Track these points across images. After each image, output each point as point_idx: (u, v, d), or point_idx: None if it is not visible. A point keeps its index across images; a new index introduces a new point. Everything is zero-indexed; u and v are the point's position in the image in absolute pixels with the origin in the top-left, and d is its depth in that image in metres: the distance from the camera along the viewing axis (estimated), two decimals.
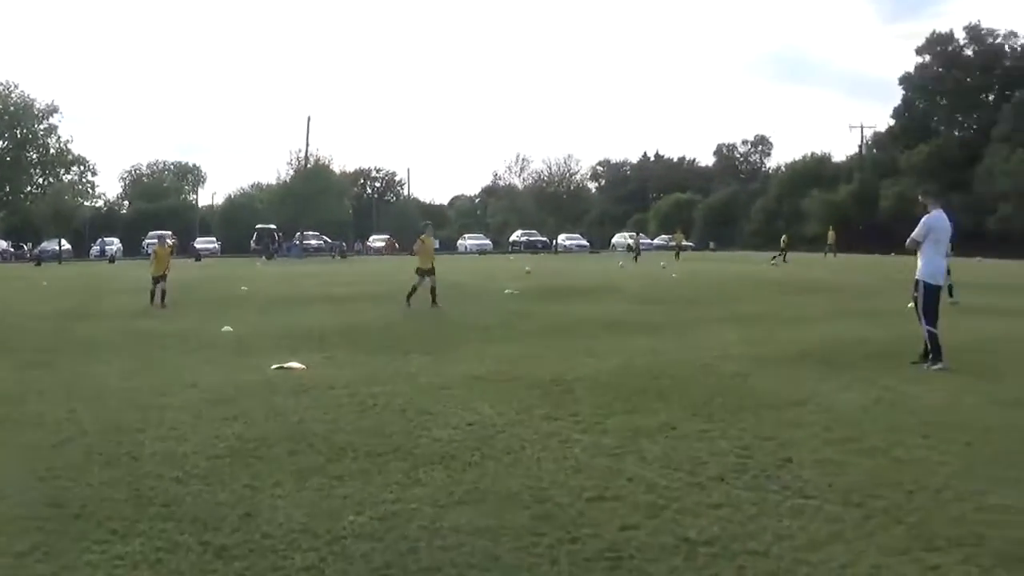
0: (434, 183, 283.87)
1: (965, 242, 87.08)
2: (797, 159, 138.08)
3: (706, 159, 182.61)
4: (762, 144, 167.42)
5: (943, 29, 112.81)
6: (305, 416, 11.31)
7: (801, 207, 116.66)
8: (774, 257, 66.64)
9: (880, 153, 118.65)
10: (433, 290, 27.05)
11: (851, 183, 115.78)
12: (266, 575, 6.26)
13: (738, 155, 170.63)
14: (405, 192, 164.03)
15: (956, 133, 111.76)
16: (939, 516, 7.36)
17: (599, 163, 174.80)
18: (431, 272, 27.38)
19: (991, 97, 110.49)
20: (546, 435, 10.18)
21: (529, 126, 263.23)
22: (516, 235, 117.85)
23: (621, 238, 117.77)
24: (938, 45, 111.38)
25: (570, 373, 14.25)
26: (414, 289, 27.01)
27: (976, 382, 13.66)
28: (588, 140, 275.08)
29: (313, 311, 26.74)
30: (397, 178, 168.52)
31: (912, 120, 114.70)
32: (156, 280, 29.61)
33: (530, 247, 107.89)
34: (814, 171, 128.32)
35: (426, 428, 10.58)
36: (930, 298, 15.26)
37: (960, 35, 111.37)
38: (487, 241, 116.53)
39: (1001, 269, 52.29)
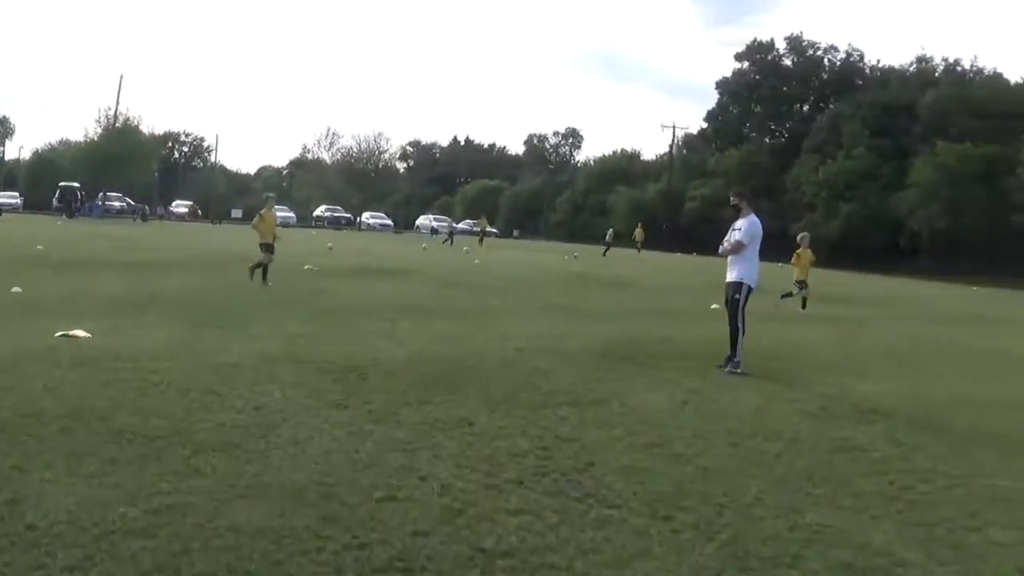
0: (242, 152, 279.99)
1: (770, 248, 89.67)
2: (607, 154, 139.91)
3: (516, 148, 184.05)
4: (573, 137, 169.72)
5: (765, 38, 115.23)
6: (85, 391, 10.30)
7: (607, 202, 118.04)
8: (605, 252, 67.98)
9: (690, 154, 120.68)
10: (265, 268, 25.77)
11: (659, 182, 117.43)
12: (28, 574, 5.50)
13: (548, 146, 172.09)
14: (212, 159, 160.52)
15: (767, 140, 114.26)
16: (752, 534, 7.02)
17: (409, 143, 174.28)
18: (272, 248, 26.15)
19: (806, 108, 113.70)
20: (336, 424, 9.51)
21: (342, 101, 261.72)
22: (320, 210, 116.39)
23: (426, 220, 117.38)
24: (758, 53, 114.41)
25: (366, 357, 13.56)
26: (259, 265, 25.74)
27: (783, 389, 13.59)
28: (400, 120, 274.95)
29: (108, 275, 25.22)
30: (205, 144, 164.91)
31: (725, 124, 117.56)
32: None
33: (334, 223, 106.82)
34: (623, 167, 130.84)
35: (210, 410, 9.74)
36: (747, 302, 15.04)
37: (781, 45, 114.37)
38: (291, 214, 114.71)
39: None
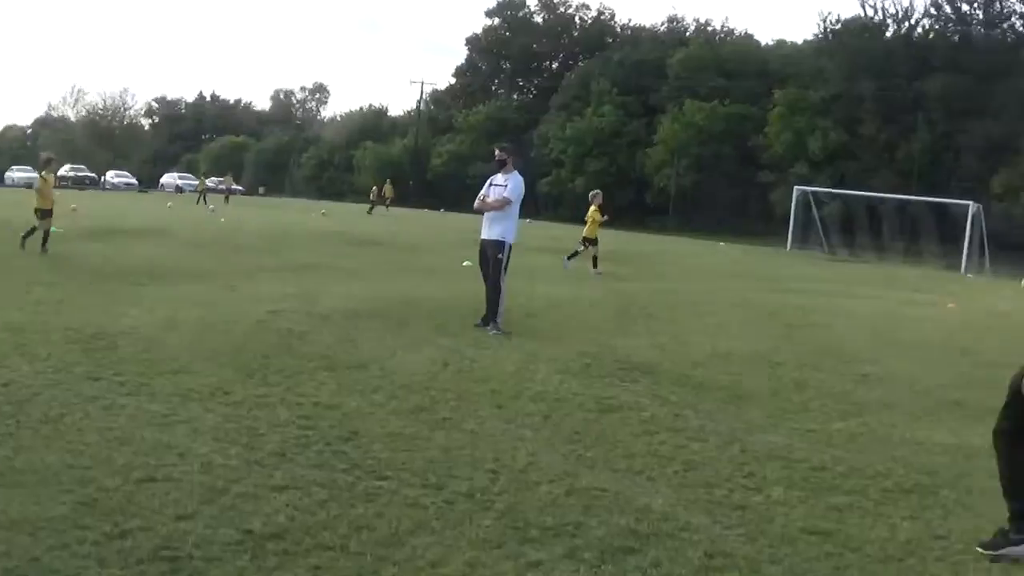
0: None
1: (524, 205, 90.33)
2: (354, 110, 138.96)
3: (262, 103, 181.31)
4: (320, 92, 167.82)
5: None
6: None
7: (354, 158, 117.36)
8: (370, 209, 68.64)
9: (438, 110, 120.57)
10: (46, 233, 24.00)
11: (405, 138, 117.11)
12: None
13: (295, 101, 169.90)
14: None
15: (516, 97, 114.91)
16: (530, 501, 6.84)
17: (155, 100, 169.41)
18: (50, 214, 24.48)
19: (555, 65, 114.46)
20: (88, 399, 8.85)
21: (87, 57, 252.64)
22: (64, 169, 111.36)
23: (171, 178, 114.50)
24: (508, 9, 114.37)
25: (113, 325, 12.82)
26: (33, 231, 23.94)
27: (544, 347, 13.49)
28: (145, 76, 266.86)
29: None
30: None
31: (475, 80, 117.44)
32: None
33: (78, 183, 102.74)
34: (371, 123, 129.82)
35: None
36: (509, 260, 14.87)
37: (532, 2, 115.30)
38: (34, 174, 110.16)
39: (553, 231, 53.45)
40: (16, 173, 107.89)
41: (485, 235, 15.15)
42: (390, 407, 9.42)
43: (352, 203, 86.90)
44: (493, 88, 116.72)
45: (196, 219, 41.55)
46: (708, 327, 17.30)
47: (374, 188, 76.15)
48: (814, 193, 65.78)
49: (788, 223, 65.96)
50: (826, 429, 9.88)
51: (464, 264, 25.05)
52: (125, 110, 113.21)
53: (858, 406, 11.11)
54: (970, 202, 58.38)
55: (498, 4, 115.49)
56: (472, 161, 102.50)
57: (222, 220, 41.99)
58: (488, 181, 15.35)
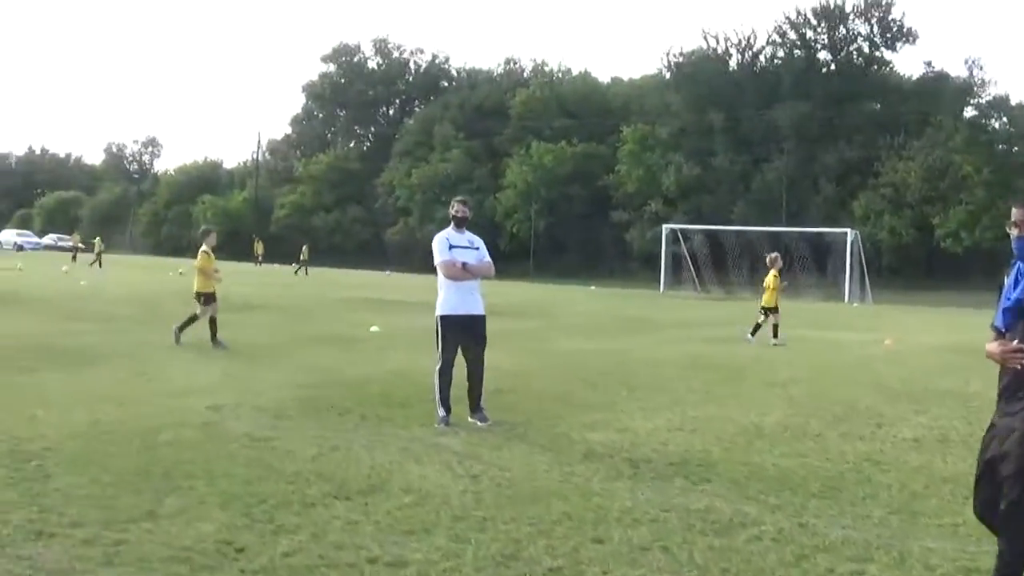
0: None
1: (364, 258, 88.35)
2: (188, 163, 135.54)
3: (94, 158, 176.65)
4: (153, 145, 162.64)
5: (351, 41, 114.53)
6: None
7: (193, 212, 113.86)
8: (296, 270, 67.69)
9: (276, 160, 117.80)
10: (213, 320, 20.50)
11: (244, 190, 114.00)
12: None
13: (128, 155, 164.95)
14: None
15: (352, 145, 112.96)
16: None
17: None
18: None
19: (391, 111, 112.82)
20: None
21: None
22: None
23: (10, 234, 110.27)
24: (344, 56, 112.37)
25: (29, 435, 10.06)
26: (194, 319, 20.51)
27: (557, 443, 11.29)
28: None
29: None
30: None
31: (311, 128, 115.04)
32: None
33: None
34: (207, 175, 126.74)
35: None
36: None
37: (367, 47, 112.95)
38: None
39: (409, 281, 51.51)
40: None
41: (469, 309, 12.36)
42: (467, 557, 6.91)
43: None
44: (329, 136, 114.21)
45: (56, 283, 37.97)
46: (701, 394, 15.31)
47: (304, 246, 72.91)
48: (681, 231, 64.43)
49: (646, 262, 65.05)
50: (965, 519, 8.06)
51: (372, 329, 22.69)
52: None
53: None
54: (848, 229, 57.83)
55: (333, 50, 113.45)
56: (316, 211, 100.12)
57: (83, 283, 38.56)
58: (445, 242, 12.49)
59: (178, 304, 29.78)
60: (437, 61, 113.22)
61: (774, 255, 27.12)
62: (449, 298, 12.33)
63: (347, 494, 8.47)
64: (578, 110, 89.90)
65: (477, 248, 12.57)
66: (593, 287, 57.07)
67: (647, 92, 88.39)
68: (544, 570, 6.72)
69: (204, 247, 21.19)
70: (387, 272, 73.55)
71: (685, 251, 63.87)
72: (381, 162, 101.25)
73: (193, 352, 18.78)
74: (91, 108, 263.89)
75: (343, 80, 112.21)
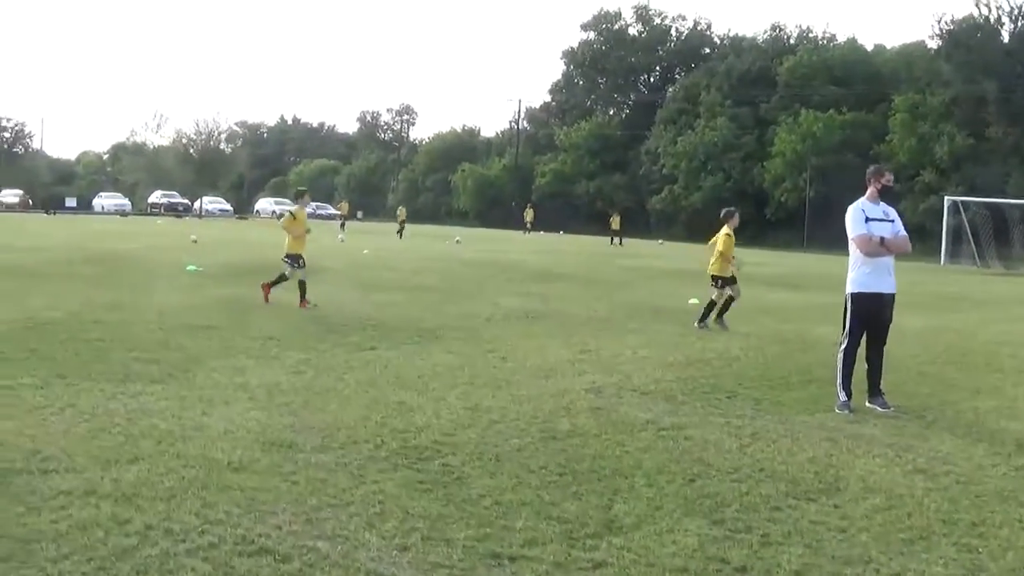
0: (60, 137, 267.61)
1: (630, 224, 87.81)
2: (444, 131, 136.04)
3: (346, 126, 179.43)
4: (407, 113, 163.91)
5: (612, 7, 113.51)
6: None
7: (451, 180, 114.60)
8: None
9: (535, 128, 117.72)
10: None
11: (503, 158, 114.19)
12: None
13: (382, 123, 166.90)
14: (34, 145, 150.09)
15: (611, 112, 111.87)
16: None
17: (236, 124, 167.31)
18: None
19: (653, 79, 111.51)
20: None
21: (161, 82, 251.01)
22: (155, 196, 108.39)
23: (267, 203, 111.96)
24: (604, 23, 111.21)
25: (432, 429, 9.85)
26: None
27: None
28: (225, 100, 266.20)
29: None
30: (27, 130, 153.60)
31: (571, 96, 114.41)
32: None
33: (171, 209, 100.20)
34: (464, 143, 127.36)
35: None
36: None
37: (628, 14, 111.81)
38: (126, 201, 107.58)
39: (685, 251, 50.51)
40: (106, 200, 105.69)
41: (883, 287, 11.61)
42: (992, 570, 6.18)
43: (468, 227, 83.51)
44: (588, 103, 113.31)
45: (346, 254, 38.03)
46: None
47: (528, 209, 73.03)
48: (962, 203, 61.87)
49: (917, 234, 62.50)
50: None
51: (691, 302, 22.06)
52: (219, 134, 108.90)
53: None
54: None
55: (593, 17, 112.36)
56: (577, 179, 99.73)
57: (365, 252, 38.73)
58: (861, 214, 11.67)
59: (487, 273, 29.76)
60: (699, 28, 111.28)
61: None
62: (864, 275, 11.59)
63: (807, 493, 7.89)
64: (846, 77, 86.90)
65: (892, 220, 11.77)
66: None
67: (915, 60, 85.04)
68: None
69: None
70: (660, 242, 72.69)
71: (966, 223, 61.28)
72: (642, 130, 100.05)
73: (520, 325, 18.26)
74: (344, 77, 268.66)
75: (604, 47, 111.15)
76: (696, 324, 18.75)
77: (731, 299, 19.19)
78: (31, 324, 15.21)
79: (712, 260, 19.40)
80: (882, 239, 11.44)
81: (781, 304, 24.08)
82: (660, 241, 74.03)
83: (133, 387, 10.77)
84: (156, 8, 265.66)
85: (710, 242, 19.79)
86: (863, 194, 11.85)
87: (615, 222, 69.63)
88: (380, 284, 24.94)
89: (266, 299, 19.79)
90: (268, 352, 13.59)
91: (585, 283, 28.32)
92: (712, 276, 19.39)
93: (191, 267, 26.71)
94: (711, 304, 19.15)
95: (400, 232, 62.51)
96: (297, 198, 21.75)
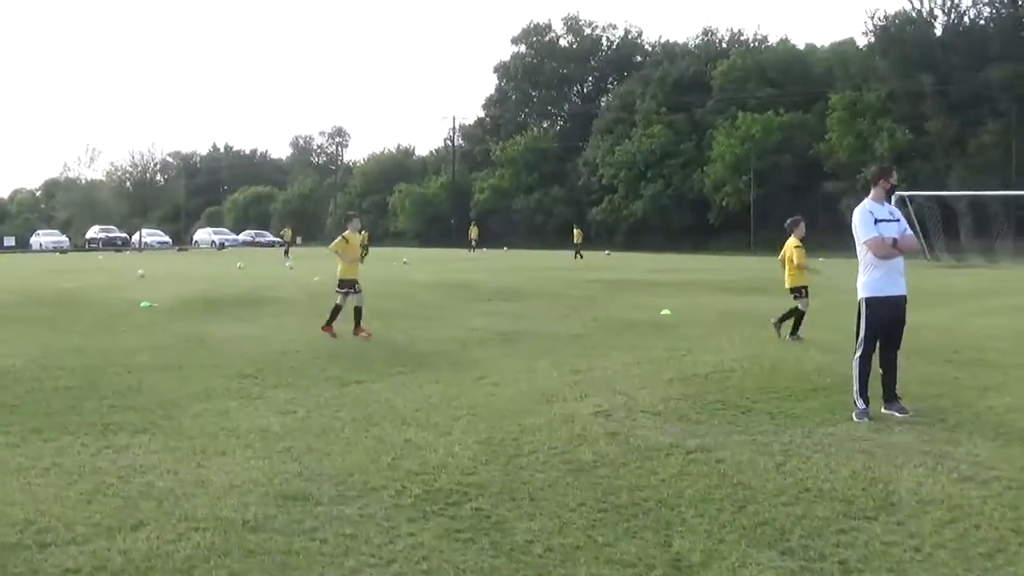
0: None
1: (564, 238, 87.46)
2: (378, 152, 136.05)
3: (279, 152, 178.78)
4: (340, 136, 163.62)
5: (542, 19, 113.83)
6: None
7: (390, 201, 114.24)
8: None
9: (470, 144, 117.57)
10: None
11: (440, 176, 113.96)
12: None
13: (316, 147, 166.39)
14: None
15: (546, 125, 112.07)
16: None
17: (169, 155, 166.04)
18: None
19: (586, 89, 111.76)
20: None
21: (92, 116, 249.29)
22: (93, 231, 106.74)
23: (206, 234, 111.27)
24: (535, 35, 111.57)
25: None
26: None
27: None
28: (157, 131, 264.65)
29: None
30: None
31: (506, 111, 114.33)
32: None
33: (110, 244, 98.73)
34: (401, 163, 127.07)
35: None
36: None
37: (558, 26, 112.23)
38: (64, 238, 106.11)
39: (633, 261, 50.33)
40: (44, 238, 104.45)
41: (897, 290, 11.19)
42: None
43: (409, 247, 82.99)
44: (522, 118, 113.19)
45: (288, 280, 37.00)
46: None
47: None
48: (911, 197, 61.91)
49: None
50: None
51: (664, 313, 21.65)
52: (155, 166, 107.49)
53: None
54: None
55: (523, 30, 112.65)
56: (515, 194, 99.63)
57: (316, 279, 37.72)
58: (870, 216, 11.17)
59: (433, 294, 29.11)
60: (630, 36, 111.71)
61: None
62: (877, 278, 11.15)
63: (864, 512, 7.51)
64: (780, 78, 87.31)
65: (898, 220, 11.35)
66: (821, 259, 54.89)
67: (849, 58, 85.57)
68: None
69: (347, 232, 20.41)
70: (607, 252, 72.53)
71: (913, 217, 61.31)
72: (578, 141, 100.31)
73: (500, 347, 17.60)
74: (274, 103, 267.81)
75: (536, 60, 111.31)
76: (788, 337, 18.24)
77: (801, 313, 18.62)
78: None
79: (788, 273, 18.83)
80: (894, 240, 10.99)
81: (753, 310, 23.60)
82: (607, 252, 73.75)
83: (116, 439, 9.99)
84: (82, 40, 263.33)
85: (780, 256, 19.15)
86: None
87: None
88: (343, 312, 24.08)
89: (332, 335, 19.05)
90: (249, 392, 12.81)
91: (548, 299, 27.62)
92: (791, 289, 18.81)
93: (145, 303, 25.79)
94: (798, 313, 18.57)
95: (286, 252, 65.10)
96: (346, 222, 21.09)
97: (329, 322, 19.31)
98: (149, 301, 26.06)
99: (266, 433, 10.25)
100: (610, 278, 36.71)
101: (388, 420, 10.89)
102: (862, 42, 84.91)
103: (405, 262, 52.54)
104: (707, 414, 11.10)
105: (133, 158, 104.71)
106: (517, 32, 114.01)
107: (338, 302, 19.53)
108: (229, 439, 10.01)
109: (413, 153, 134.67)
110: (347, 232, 20.34)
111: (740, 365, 14.71)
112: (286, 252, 65.40)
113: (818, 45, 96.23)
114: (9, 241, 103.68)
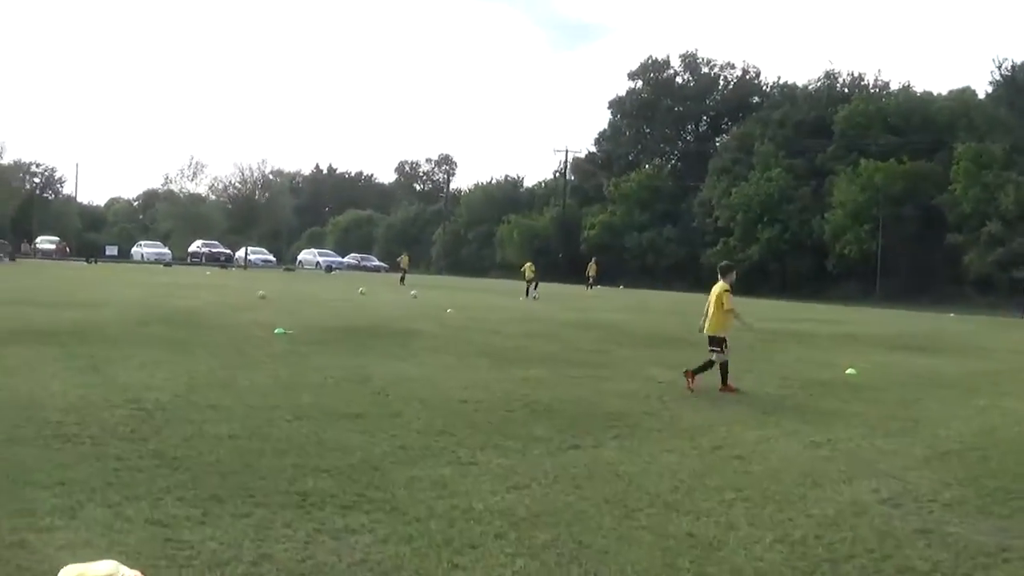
0: (89, 183, 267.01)
1: (680, 278, 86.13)
2: (485, 181, 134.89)
3: (384, 176, 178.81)
4: (447, 163, 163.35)
5: (660, 55, 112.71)
6: None
7: (497, 232, 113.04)
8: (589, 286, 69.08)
9: (581, 179, 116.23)
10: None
11: (549, 209, 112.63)
12: None
13: (421, 173, 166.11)
14: (65, 191, 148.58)
15: (658, 162, 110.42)
16: None
17: (272, 173, 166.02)
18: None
19: (702, 128, 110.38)
20: None
21: (192, 130, 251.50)
22: (196, 245, 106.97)
23: (310, 255, 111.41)
24: (652, 71, 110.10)
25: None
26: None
27: None
28: (258, 148, 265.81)
29: (51, 362, 17.34)
30: (57, 175, 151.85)
31: (618, 146, 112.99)
32: None
33: (213, 259, 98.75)
34: (509, 194, 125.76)
35: None
36: None
37: (676, 63, 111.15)
38: (166, 250, 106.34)
39: (784, 310, 48.47)
40: (145, 249, 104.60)
41: None
42: None
43: (516, 280, 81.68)
44: (634, 156, 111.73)
45: (420, 310, 35.78)
46: None
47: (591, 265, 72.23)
48: None
49: (981, 287, 62.34)
50: None
51: (849, 372, 20.18)
52: (262, 182, 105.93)
53: None
54: None
55: (641, 65, 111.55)
56: (627, 231, 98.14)
57: (449, 311, 36.36)
58: None
59: (585, 336, 27.72)
60: (748, 76, 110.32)
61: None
62: None
63: None
64: (902, 125, 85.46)
65: None
66: (951, 315, 52.89)
67: (972, 106, 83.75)
68: None
69: (725, 283, 18.28)
70: (619, 286, 72.59)
71: None
72: (691, 180, 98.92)
73: (705, 406, 16.05)
74: (381, 127, 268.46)
75: (651, 96, 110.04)
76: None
77: None
78: (137, 409, 12.65)
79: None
80: None
81: (940, 373, 22.10)
82: (620, 285, 73.54)
83: (324, 517, 8.17)
84: (188, 53, 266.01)
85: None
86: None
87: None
88: (502, 353, 22.14)
89: (689, 387, 17.48)
90: (456, 455, 11.08)
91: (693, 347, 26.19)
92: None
93: (279, 330, 24.52)
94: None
95: (402, 279, 64.56)
96: (723, 275, 18.69)
97: (724, 382, 17.82)
98: (283, 328, 24.82)
99: (511, 517, 8.62)
100: (756, 326, 35.24)
101: (646, 502, 9.34)
102: (983, 90, 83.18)
103: (535, 298, 51.05)
104: (1000, 505, 9.76)
105: (243, 173, 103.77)
106: (635, 67, 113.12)
107: (713, 358, 18.04)
108: (470, 524, 8.32)
109: (521, 184, 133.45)
110: (726, 284, 18.38)
111: (981, 441, 13.30)
112: (402, 279, 64.58)
113: (934, 93, 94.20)
114: (111, 250, 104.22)
